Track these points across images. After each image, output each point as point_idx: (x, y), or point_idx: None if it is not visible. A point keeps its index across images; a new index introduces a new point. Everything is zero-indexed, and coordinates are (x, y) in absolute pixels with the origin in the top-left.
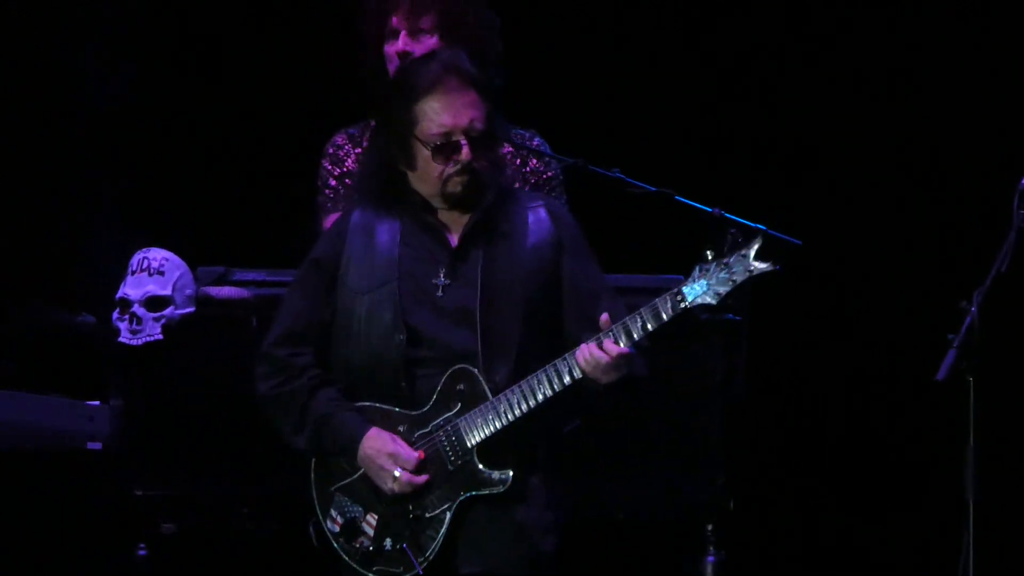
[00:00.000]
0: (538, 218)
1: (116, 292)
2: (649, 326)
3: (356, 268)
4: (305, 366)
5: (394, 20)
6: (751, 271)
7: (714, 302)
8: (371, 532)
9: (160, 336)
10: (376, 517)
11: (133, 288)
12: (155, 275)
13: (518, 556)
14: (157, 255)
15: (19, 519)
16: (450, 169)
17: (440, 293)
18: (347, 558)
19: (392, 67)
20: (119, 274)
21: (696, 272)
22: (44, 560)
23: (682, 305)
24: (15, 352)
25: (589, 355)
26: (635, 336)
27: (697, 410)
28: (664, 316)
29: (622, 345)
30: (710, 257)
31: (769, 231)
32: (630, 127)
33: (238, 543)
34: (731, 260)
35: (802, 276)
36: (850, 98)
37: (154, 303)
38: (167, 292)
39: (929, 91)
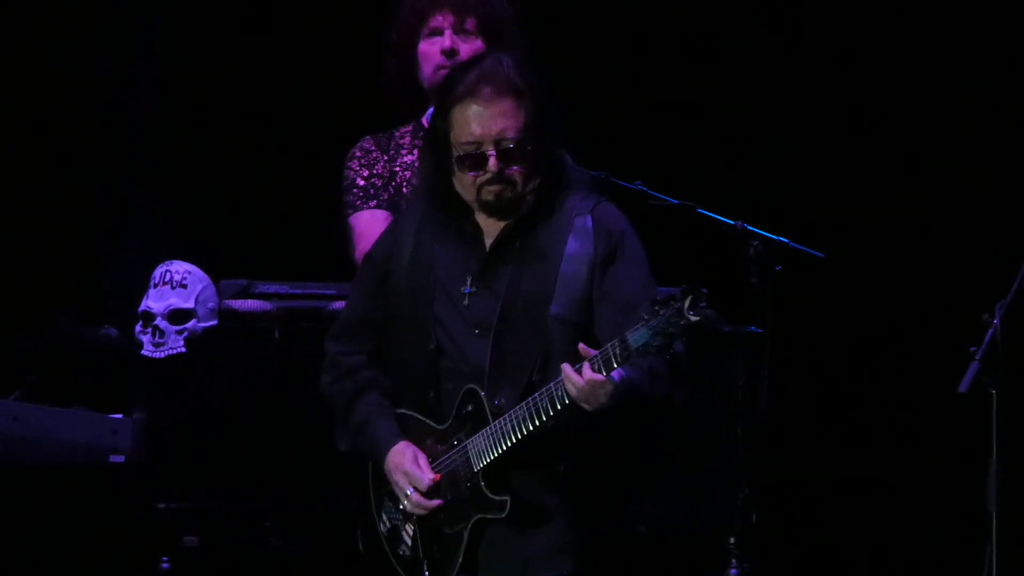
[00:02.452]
0: (581, 229)
1: (139, 305)
2: (615, 363)
3: (400, 269)
4: (353, 367)
5: (438, 18)
6: (683, 322)
7: (659, 346)
8: (409, 541)
9: (183, 349)
10: (413, 527)
11: (156, 301)
12: (178, 288)
13: None
14: (180, 268)
15: (41, 532)
16: (481, 178)
17: (466, 302)
18: (394, 562)
19: (430, 66)
20: (142, 287)
21: (640, 322)
22: (66, 574)
23: (627, 351)
24: (39, 365)
25: (568, 378)
26: (614, 365)
27: (719, 423)
28: (614, 362)
29: (599, 373)
30: (653, 309)
31: (791, 243)
32: (652, 140)
33: (261, 557)
34: (668, 312)
35: (824, 289)
36: (873, 111)
37: (177, 316)
38: (190, 305)
39: (953, 103)
